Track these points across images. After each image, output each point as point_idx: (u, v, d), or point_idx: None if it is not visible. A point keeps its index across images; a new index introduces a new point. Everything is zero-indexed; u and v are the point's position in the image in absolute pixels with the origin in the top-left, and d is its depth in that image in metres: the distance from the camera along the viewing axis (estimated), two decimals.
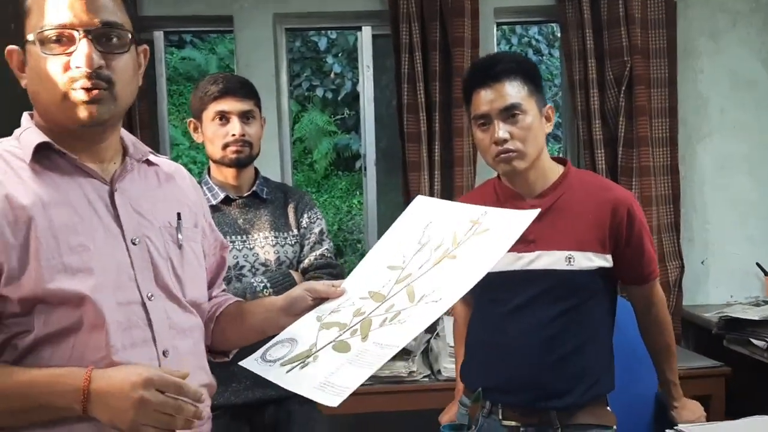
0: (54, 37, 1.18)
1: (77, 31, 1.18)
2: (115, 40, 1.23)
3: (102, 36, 1.21)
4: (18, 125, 1.29)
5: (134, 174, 1.33)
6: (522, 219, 1.31)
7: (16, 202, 1.15)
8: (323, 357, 1.25)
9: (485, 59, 1.86)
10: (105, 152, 1.29)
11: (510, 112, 1.75)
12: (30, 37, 1.20)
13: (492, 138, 1.76)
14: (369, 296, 1.33)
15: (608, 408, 1.85)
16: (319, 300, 1.39)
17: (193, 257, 1.38)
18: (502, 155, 1.76)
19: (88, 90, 1.19)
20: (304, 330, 1.35)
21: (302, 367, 1.25)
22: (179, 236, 1.35)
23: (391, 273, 1.35)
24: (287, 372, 1.26)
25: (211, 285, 1.53)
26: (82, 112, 1.20)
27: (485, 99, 1.77)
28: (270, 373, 1.29)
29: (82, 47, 1.18)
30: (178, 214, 1.37)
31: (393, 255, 1.40)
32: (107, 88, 1.21)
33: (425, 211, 1.47)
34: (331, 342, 1.26)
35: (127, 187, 1.30)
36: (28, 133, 1.24)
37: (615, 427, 1.83)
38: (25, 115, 1.29)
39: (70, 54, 1.18)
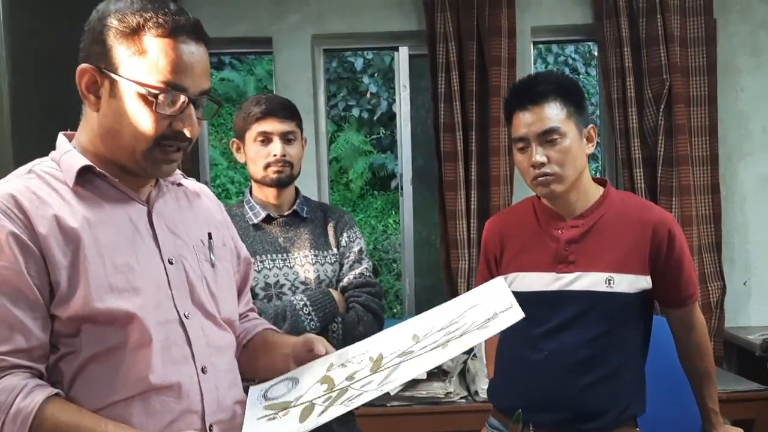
0: (165, 94, 1.19)
1: (185, 94, 1.21)
2: (203, 105, 1.27)
3: (199, 101, 1.25)
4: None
5: (168, 196, 1.35)
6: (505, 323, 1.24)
7: (64, 223, 1.17)
8: (291, 415, 1.20)
9: (525, 80, 1.85)
10: (144, 179, 1.31)
11: (548, 136, 1.75)
12: (141, 81, 1.18)
13: (530, 161, 1.77)
14: (374, 359, 1.27)
15: (638, 429, 1.83)
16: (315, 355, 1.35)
17: (225, 275, 1.40)
18: (540, 178, 1.76)
19: (175, 151, 1.24)
20: (309, 374, 1.31)
21: (270, 419, 1.21)
22: (212, 255, 1.37)
23: (408, 342, 1.28)
24: (258, 419, 1.23)
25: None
26: (161, 169, 1.25)
27: (524, 122, 1.77)
28: (252, 410, 1.26)
29: (191, 114, 1.22)
30: (209, 234, 1.39)
31: (425, 324, 1.33)
32: (186, 148, 1.26)
33: (486, 294, 1.39)
34: (307, 402, 1.22)
35: (162, 209, 1.32)
36: (70, 156, 1.24)
37: None
38: (62, 137, 1.30)
39: (174, 115, 1.20)
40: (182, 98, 1.20)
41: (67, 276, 1.16)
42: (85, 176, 1.23)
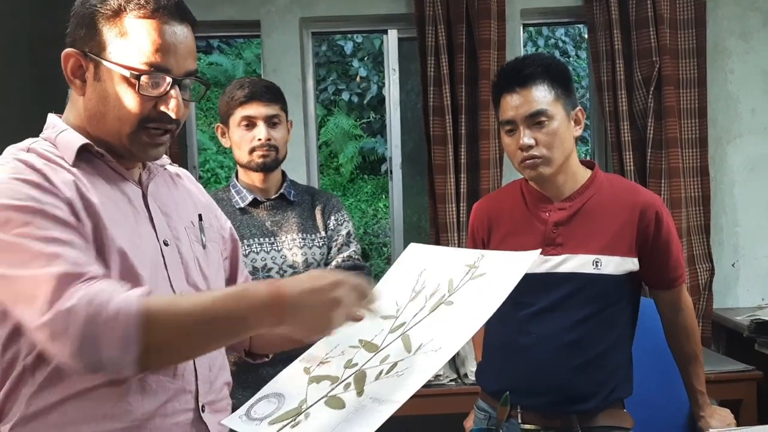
0: (148, 76, 1.17)
1: (169, 76, 1.19)
2: (189, 87, 1.25)
3: (184, 82, 1.23)
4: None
5: (158, 178, 1.35)
6: (522, 262, 1.24)
7: (83, 191, 1.15)
8: (316, 414, 1.15)
9: (512, 63, 1.84)
10: (133, 161, 1.30)
11: (535, 119, 1.74)
12: (124, 63, 1.16)
13: (517, 144, 1.76)
14: (360, 345, 1.24)
15: (625, 410, 1.84)
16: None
17: (215, 256, 1.40)
18: (528, 161, 1.76)
19: (162, 134, 1.22)
20: (292, 384, 1.26)
21: (293, 426, 1.16)
22: (203, 236, 1.37)
23: (384, 322, 1.26)
24: None
25: (233, 279, 1.53)
26: (148, 152, 1.23)
27: (511, 104, 1.76)
28: (254, 430, 1.19)
29: (175, 95, 1.20)
30: (200, 216, 1.39)
31: (386, 304, 1.29)
32: (173, 131, 1.25)
33: (419, 258, 1.41)
34: (322, 397, 1.17)
35: (155, 191, 1.32)
36: (67, 134, 1.22)
37: (632, 429, 1.82)
38: (54, 117, 1.28)
39: (159, 97, 1.19)
40: (167, 80, 1.19)
41: (92, 241, 1.13)
42: (82, 156, 1.21)
